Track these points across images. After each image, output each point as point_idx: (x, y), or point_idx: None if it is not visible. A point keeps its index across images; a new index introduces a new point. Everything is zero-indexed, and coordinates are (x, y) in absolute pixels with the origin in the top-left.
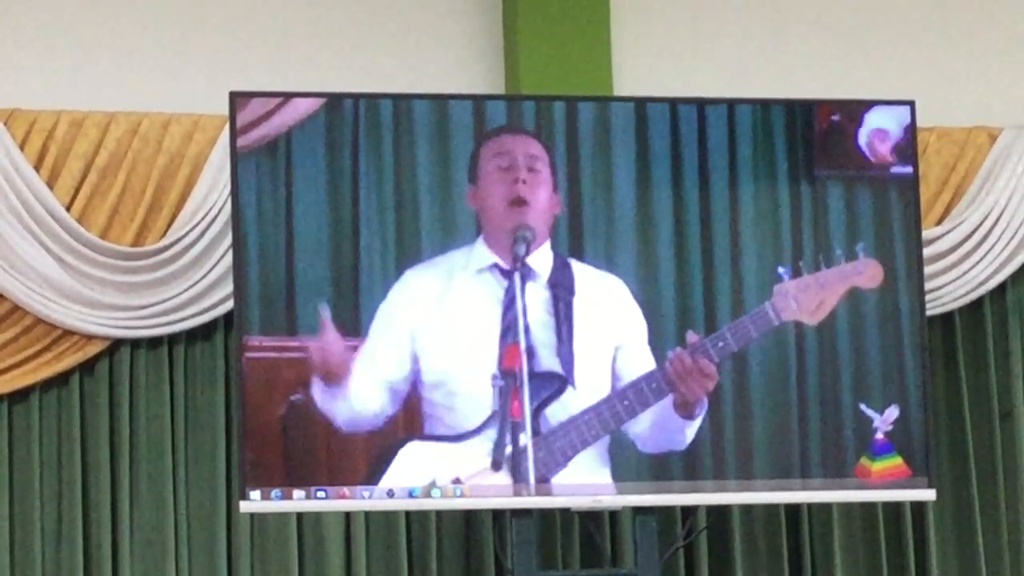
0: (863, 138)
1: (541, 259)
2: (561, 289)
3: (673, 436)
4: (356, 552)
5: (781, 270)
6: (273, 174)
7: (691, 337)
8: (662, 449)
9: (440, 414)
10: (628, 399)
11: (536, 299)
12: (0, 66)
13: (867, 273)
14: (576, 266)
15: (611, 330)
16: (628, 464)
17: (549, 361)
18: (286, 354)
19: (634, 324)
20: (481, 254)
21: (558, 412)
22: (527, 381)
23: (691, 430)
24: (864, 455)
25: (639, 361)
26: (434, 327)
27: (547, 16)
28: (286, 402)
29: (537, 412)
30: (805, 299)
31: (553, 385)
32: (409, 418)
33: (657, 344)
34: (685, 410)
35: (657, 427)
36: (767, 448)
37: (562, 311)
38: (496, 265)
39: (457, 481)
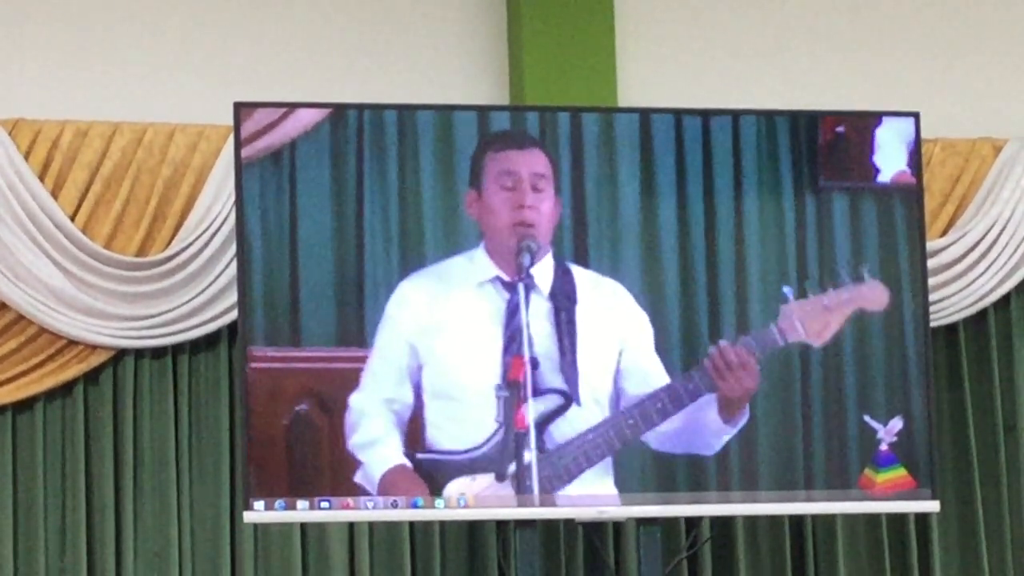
0: (867, 149)
1: (543, 271)
2: (563, 299)
3: (705, 440)
4: (360, 563)
5: (786, 289)
6: (277, 184)
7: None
8: (681, 451)
9: (443, 424)
10: (633, 418)
11: (538, 311)
12: (5, 76)
13: (873, 296)
14: (577, 271)
15: (615, 334)
16: (632, 474)
17: (553, 378)
18: (291, 364)
19: (640, 325)
20: (483, 266)
21: (564, 429)
22: (531, 392)
23: (727, 436)
24: (868, 466)
25: (646, 362)
26: (436, 339)
27: (551, 27)
28: (290, 412)
29: (541, 429)
30: (811, 322)
31: (557, 402)
32: (411, 429)
33: (662, 355)
34: (729, 412)
35: (688, 430)
36: (771, 459)
37: (564, 323)
38: (498, 278)
39: (461, 493)
